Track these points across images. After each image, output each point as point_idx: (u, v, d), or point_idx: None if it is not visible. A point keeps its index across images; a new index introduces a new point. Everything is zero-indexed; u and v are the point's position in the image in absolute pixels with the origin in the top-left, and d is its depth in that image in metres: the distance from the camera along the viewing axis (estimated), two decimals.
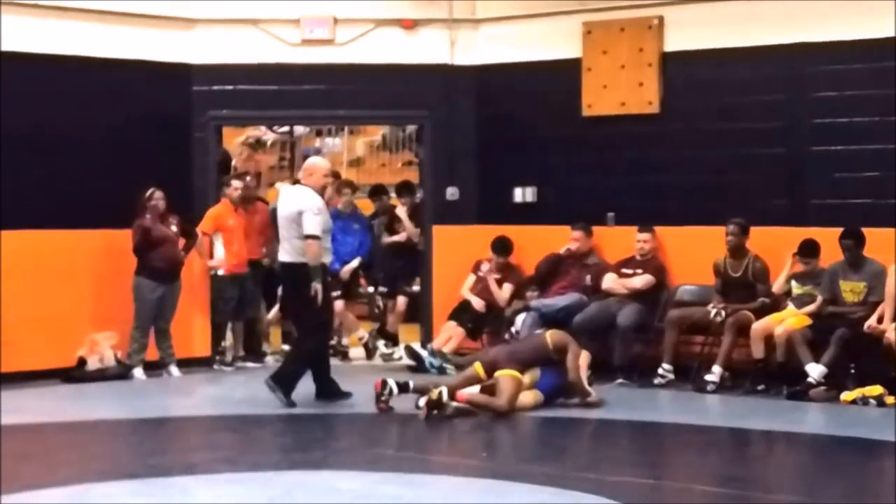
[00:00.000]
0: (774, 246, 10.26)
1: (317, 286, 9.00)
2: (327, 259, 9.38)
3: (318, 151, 16.11)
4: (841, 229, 9.84)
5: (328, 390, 9.25)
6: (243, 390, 9.35)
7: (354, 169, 15.90)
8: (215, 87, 11.52)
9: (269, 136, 15.91)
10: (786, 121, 10.48)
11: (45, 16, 10.72)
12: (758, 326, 9.95)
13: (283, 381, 9.10)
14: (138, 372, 10.73)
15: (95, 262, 10.90)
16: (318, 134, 15.98)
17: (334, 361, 11.64)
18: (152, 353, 10.88)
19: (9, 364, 10.33)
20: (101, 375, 10.63)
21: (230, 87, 11.56)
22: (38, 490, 6.82)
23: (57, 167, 10.69)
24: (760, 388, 9.92)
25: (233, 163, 12.97)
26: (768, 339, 9.91)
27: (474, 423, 8.65)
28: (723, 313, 10.12)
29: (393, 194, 12.58)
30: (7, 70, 10.46)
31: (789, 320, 9.85)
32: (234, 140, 14.93)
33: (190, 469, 7.42)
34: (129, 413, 9.40)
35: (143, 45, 11.20)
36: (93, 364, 10.70)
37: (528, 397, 9.03)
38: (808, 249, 9.98)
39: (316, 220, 9.08)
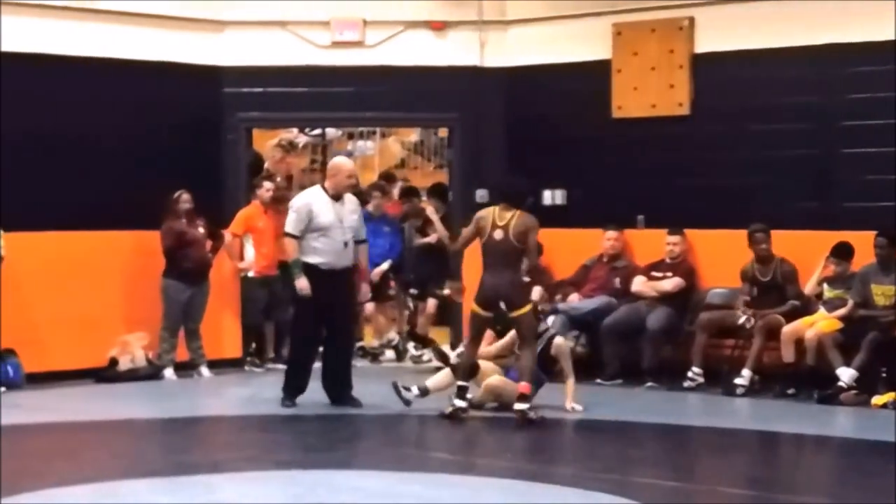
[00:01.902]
0: (805, 249, 10.19)
1: (298, 283, 9.02)
2: (316, 259, 9.09)
3: (349, 154, 16.14)
4: (873, 232, 9.76)
5: (336, 395, 9.23)
6: (271, 391, 9.38)
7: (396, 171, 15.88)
8: (245, 90, 11.58)
9: (301, 139, 15.94)
10: (817, 122, 10.41)
11: (77, 19, 10.81)
12: (788, 330, 9.88)
13: (284, 385, 9.29)
14: (169, 372, 10.81)
15: (127, 264, 10.99)
16: (350, 137, 16.01)
17: (364, 363, 11.74)
18: (183, 354, 10.95)
19: (42, 364, 10.43)
20: (133, 375, 10.71)
21: (260, 90, 11.62)
22: (68, 487, 6.88)
23: (89, 169, 10.76)
24: (791, 391, 9.85)
25: (265, 165, 13.03)
26: (799, 343, 9.84)
27: (498, 424, 8.64)
28: (752, 320, 10.06)
29: (423, 196, 12.58)
30: (40, 73, 10.55)
31: (820, 324, 9.78)
32: (266, 142, 14.98)
33: (216, 467, 7.48)
34: (159, 413, 9.47)
35: (174, 48, 11.28)
36: (124, 364, 10.78)
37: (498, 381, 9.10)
38: (842, 251, 9.90)
39: (290, 217, 9.16)
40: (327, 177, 9.42)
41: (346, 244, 9.11)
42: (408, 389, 8.99)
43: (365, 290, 9.57)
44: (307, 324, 9.22)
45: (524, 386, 8.61)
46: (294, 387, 9.21)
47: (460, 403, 8.69)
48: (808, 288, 10.10)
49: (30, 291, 10.51)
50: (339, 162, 9.58)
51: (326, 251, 9.08)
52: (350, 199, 9.32)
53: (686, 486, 7.19)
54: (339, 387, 9.23)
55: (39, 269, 10.53)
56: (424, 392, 9.02)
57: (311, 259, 9.10)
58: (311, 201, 9.15)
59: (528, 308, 8.81)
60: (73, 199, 10.64)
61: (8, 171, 10.30)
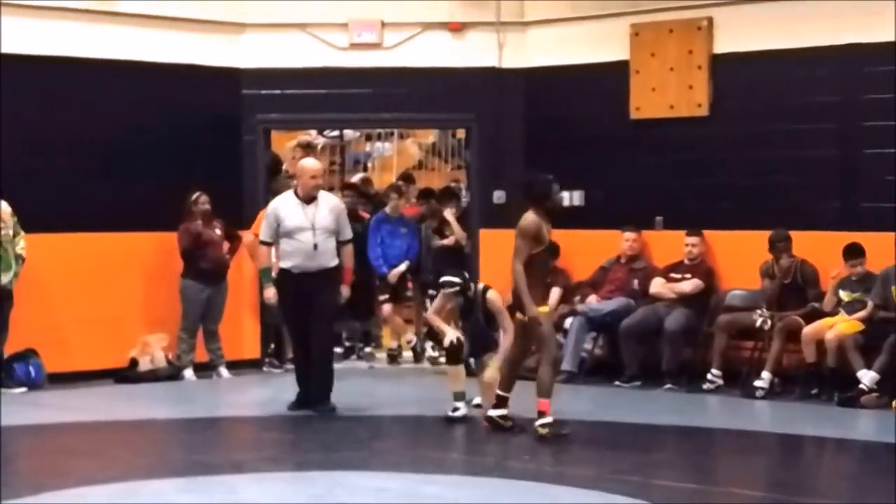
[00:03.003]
0: (826, 249, 10.14)
1: (265, 293, 9.11)
2: (286, 263, 9.02)
3: (367, 156, 16.16)
4: (894, 233, 9.72)
5: (305, 398, 9.13)
6: (290, 392, 9.39)
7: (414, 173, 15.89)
8: (264, 91, 11.62)
9: (319, 141, 15.97)
10: (838, 123, 10.37)
11: (98, 22, 10.87)
12: (808, 330, 9.86)
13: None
14: (188, 373, 10.86)
15: (147, 265, 11.04)
16: (368, 138, 16.03)
17: (382, 364, 11.76)
18: (202, 355, 10.99)
19: (63, 364, 10.50)
20: (153, 376, 10.77)
21: (278, 91, 11.65)
22: (89, 486, 6.92)
23: (109, 171, 10.83)
24: (814, 391, 9.81)
25: (283, 166, 13.06)
26: (819, 344, 9.81)
27: (518, 425, 8.63)
28: (769, 322, 10.04)
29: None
30: (62, 75, 10.61)
31: (841, 325, 9.75)
32: (285, 144, 15.02)
33: (236, 467, 7.51)
34: (179, 413, 9.51)
35: (194, 50, 11.32)
36: (144, 365, 10.83)
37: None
38: (853, 252, 9.87)
39: (262, 224, 9.21)
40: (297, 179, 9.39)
41: (316, 246, 8.96)
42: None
43: (343, 292, 9.20)
44: (290, 329, 9.38)
45: (543, 403, 8.24)
46: (300, 392, 9.19)
47: (500, 412, 8.46)
48: (826, 303, 9.99)
49: (51, 292, 10.58)
50: (303, 164, 9.42)
51: (295, 254, 8.99)
52: (326, 201, 9.19)
53: (705, 488, 7.18)
54: (310, 389, 9.08)
55: (61, 270, 10.60)
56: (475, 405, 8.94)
57: (283, 263, 9.08)
58: (279, 206, 9.10)
59: (539, 311, 8.33)
60: (94, 200, 10.70)
61: (30, 174, 10.37)
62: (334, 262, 9.10)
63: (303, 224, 8.97)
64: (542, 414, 8.23)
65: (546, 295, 8.86)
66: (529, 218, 8.34)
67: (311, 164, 9.36)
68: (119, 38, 10.96)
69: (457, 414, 8.72)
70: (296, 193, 9.09)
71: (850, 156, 10.35)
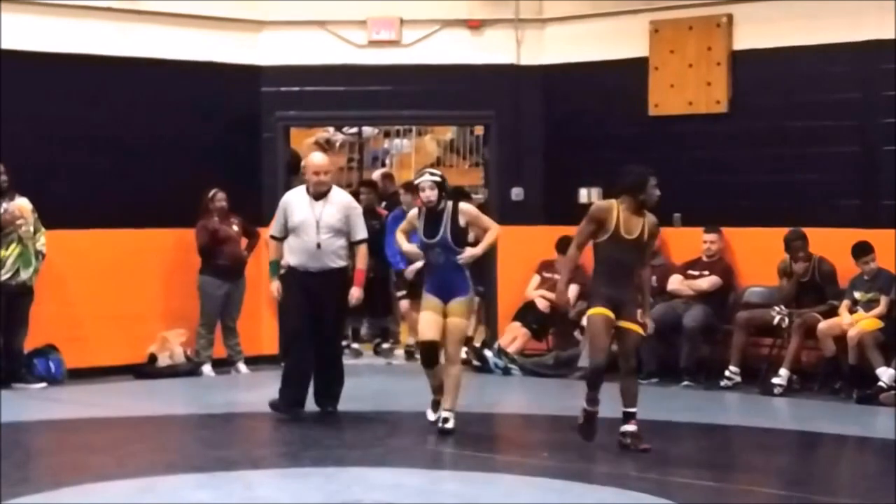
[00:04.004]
0: (846, 247, 10.10)
1: (271, 285, 8.84)
2: (292, 260, 8.71)
3: (386, 153, 16.19)
4: None
5: (295, 398, 8.74)
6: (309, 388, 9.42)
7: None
8: (283, 89, 11.65)
9: (338, 137, 16.00)
10: (857, 119, 10.34)
11: (118, 20, 10.91)
12: (824, 325, 9.85)
13: (279, 389, 8.87)
14: (207, 369, 10.91)
15: (167, 262, 11.09)
16: (387, 135, 16.05)
17: (400, 361, 11.78)
18: (221, 351, 11.03)
19: (83, 360, 10.56)
20: (172, 372, 10.82)
21: (298, 89, 11.68)
22: (108, 482, 6.97)
23: (129, 168, 10.88)
24: (837, 385, 9.79)
25: (302, 163, 13.08)
26: (837, 341, 9.79)
27: (535, 421, 8.65)
28: (787, 319, 10.01)
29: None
30: (83, 72, 10.66)
31: (862, 322, 9.72)
32: (304, 141, 15.05)
33: (254, 463, 7.55)
34: (197, 409, 9.55)
35: (214, 48, 11.36)
36: (163, 361, 10.89)
37: None
38: (862, 250, 9.85)
39: (274, 220, 8.94)
40: None
41: (319, 245, 8.60)
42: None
43: (355, 295, 8.78)
44: (287, 329, 8.96)
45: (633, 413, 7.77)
46: (287, 395, 8.74)
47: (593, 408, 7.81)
48: (844, 317, 9.94)
49: (71, 288, 10.64)
50: (308, 159, 9.08)
51: (298, 252, 8.69)
52: (337, 199, 8.78)
53: (724, 485, 7.17)
54: (317, 391, 8.81)
55: (81, 266, 10.65)
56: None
57: (289, 260, 8.79)
58: (289, 200, 8.84)
59: (590, 312, 7.71)
60: (113, 197, 10.75)
61: (50, 170, 10.42)
62: (340, 263, 8.72)
63: (307, 221, 8.66)
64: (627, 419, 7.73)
65: (609, 297, 7.67)
66: (601, 202, 7.97)
67: (315, 159, 8.95)
68: (140, 35, 11.00)
69: (443, 425, 8.11)
70: (307, 189, 8.83)
71: (869, 152, 10.32)
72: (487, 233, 8.27)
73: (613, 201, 7.76)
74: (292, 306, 8.78)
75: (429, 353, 8.30)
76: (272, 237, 8.96)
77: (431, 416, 8.41)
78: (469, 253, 8.18)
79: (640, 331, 7.79)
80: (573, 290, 11.32)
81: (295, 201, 8.81)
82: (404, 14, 11.71)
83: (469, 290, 8.29)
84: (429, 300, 8.23)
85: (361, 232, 8.85)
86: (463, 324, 8.33)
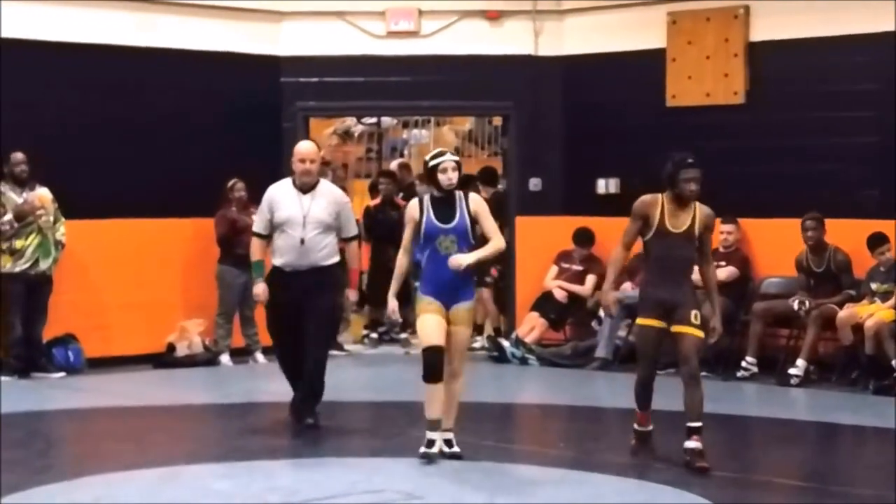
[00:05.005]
0: (864, 238, 10.09)
1: (254, 289, 8.10)
2: (278, 259, 8.02)
3: (404, 143, 16.23)
4: None
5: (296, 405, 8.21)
6: (326, 378, 9.47)
7: None
8: (302, 79, 11.69)
9: (357, 128, 16.05)
10: (875, 110, 10.32)
11: (139, 10, 10.96)
12: (843, 315, 9.85)
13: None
14: (225, 358, 10.97)
15: (186, 251, 11.15)
16: (406, 126, 16.09)
17: (416, 351, 11.77)
18: (239, 340, 11.09)
19: (102, 349, 10.63)
20: (191, 361, 10.88)
21: (317, 79, 11.72)
22: (126, 471, 7.01)
23: (149, 158, 10.92)
24: (853, 376, 9.80)
25: (321, 153, 13.11)
26: (855, 331, 9.80)
27: (553, 412, 8.68)
28: (806, 303, 10.03)
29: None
30: (100, 62, 10.71)
31: (879, 313, 9.73)
32: (323, 131, 15.10)
33: (274, 453, 7.58)
34: (216, 398, 9.61)
35: (234, 38, 11.40)
36: (182, 350, 10.95)
37: None
38: (877, 241, 9.84)
39: (257, 214, 8.30)
40: None
41: (303, 241, 7.90)
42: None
43: (350, 297, 8.41)
44: (273, 333, 8.25)
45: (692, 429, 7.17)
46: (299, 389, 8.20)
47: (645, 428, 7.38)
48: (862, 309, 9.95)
49: (90, 278, 10.71)
50: (296, 147, 8.25)
51: (284, 249, 7.97)
52: (326, 192, 8.08)
53: (741, 476, 7.19)
54: (293, 401, 8.28)
55: (100, 256, 10.72)
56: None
57: (275, 259, 8.08)
58: (273, 194, 8.06)
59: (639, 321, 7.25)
60: (133, 187, 10.80)
61: (70, 160, 10.48)
62: (331, 261, 8.03)
63: (294, 216, 7.93)
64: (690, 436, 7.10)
65: (660, 301, 7.11)
66: (645, 196, 7.19)
67: (302, 147, 8.17)
68: (161, 26, 11.05)
69: (431, 450, 7.16)
70: (294, 181, 8.09)
71: (887, 143, 10.29)
72: (490, 241, 7.22)
73: (659, 194, 7.12)
74: (280, 312, 8.05)
75: (435, 362, 7.12)
76: (255, 234, 8.16)
77: (423, 450, 7.22)
78: (461, 258, 7.10)
79: (698, 333, 7.10)
80: (591, 280, 11.37)
81: (280, 195, 8.04)
82: (423, 5, 11.73)
83: (474, 295, 7.37)
84: (429, 302, 7.17)
85: (353, 228, 8.18)
86: (469, 334, 7.38)
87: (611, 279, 7.34)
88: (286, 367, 8.28)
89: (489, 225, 7.24)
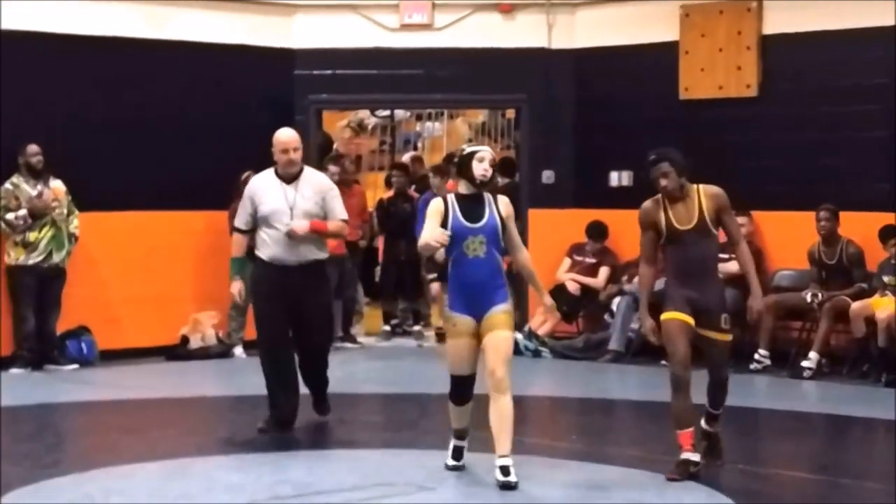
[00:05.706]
0: (876, 231, 10.08)
1: (232, 287, 7.84)
2: (264, 253, 7.68)
3: (418, 136, 16.23)
4: None
5: (284, 418, 7.84)
6: (339, 370, 9.44)
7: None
8: (316, 72, 11.70)
9: (370, 120, 16.06)
10: (887, 104, 10.29)
11: (152, 2, 10.99)
12: (856, 306, 9.84)
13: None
14: (238, 350, 11.00)
15: (199, 244, 11.18)
16: (419, 118, 16.09)
17: (430, 343, 11.82)
18: (252, 333, 11.05)
19: (115, 341, 10.67)
20: (204, 353, 10.91)
21: (330, 72, 11.74)
22: (139, 463, 7.04)
23: (162, 150, 10.96)
24: (865, 368, 9.78)
25: (335, 146, 13.15)
26: (868, 323, 9.78)
27: (565, 405, 8.68)
28: (819, 295, 10.01)
29: None
30: (114, 54, 10.74)
31: (891, 306, 9.71)
32: (336, 124, 15.12)
33: (285, 445, 7.59)
34: (229, 390, 9.64)
35: (247, 31, 11.42)
36: (195, 342, 10.98)
37: None
38: (889, 232, 9.84)
39: (238, 208, 7.90)
40: None
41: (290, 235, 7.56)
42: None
43: (300, 225, 7.56)
44: (262, 332, 7.85)
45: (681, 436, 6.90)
46: (274, 416, 7.80)
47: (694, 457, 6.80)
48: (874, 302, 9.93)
49: (104, 270, 10.75)
50: (276, 135, 7.75)
51: (271, 243, 7.62)
52: (312, 181, 7.69)
53: (753, 469, 7.19)
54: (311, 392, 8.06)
55: (113, 248, 10.76)
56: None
57: (261, 253, 7.71)
58: (256, 186, 7.70)
59: (663, 315, 6.78)
60: (146, 180, 10.83)
61: (84, 153, 10.52)
62: (321, 255, 7.74)
63: (280, 208, 7.57)
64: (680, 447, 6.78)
65: (687, 299, 6.74)
66: (643, 205, 6.92)
67: (283, 135, 7.71)
68: (174, 18, 11.08)
69: (458, 462, 6.85)
70: (276, 171, 7.71)
71: None
72: (519, 255, 6.78)
73: (658, 196, 6.85)
74: (266, 314, 7.72)
75: (463, 390, 6.71)
76: (236, 229, 7.83)
77: (451, 462, 6.89)
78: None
79: (727, 338, 6.83)
80: (604, 272, 11.37)
81: (263, 187, 7.66)
82: None
83: (510, 298, 6.71)
84: (458, 323, 6.59)
85: (340, 212, 7.71)
86: (510, 338, 6.62)
87: (644, 304, 6.90)
88: (270, 371, 7.80)
89: (515, 235, 6.72)
